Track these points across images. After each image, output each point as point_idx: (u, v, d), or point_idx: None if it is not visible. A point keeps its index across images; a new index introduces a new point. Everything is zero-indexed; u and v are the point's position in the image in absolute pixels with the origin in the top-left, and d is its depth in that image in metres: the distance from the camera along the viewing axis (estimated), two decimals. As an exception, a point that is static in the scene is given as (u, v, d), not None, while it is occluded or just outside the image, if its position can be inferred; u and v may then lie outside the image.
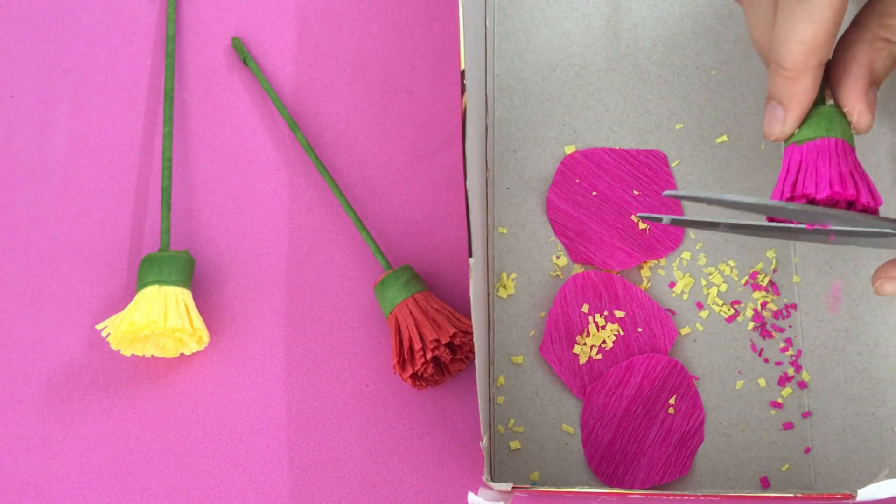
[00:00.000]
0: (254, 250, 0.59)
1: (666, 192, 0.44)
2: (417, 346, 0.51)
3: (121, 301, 0.58)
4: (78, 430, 0.55)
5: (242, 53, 0.62)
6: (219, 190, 0.60)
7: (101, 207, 0.60)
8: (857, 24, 0.47)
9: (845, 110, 0.45)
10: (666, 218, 0.46)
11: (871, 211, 0.45)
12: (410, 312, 0.52)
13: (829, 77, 0.47)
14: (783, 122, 0.46)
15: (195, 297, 0.58)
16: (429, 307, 0.52)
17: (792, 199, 0.45)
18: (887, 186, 0.56)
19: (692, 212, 0.58)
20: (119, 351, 0.55)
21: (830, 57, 0.46)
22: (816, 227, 0.45)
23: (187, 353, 0.55)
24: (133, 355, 0.57)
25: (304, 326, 0.57)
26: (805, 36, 0.43)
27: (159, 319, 0.53)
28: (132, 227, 0.60)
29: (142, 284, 0.55)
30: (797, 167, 0.45)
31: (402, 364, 0.52)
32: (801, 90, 0.45)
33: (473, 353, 0.54)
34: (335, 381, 0.56)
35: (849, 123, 0.46)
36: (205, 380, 0.56)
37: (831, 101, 0.47)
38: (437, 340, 0.51)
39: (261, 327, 0.57)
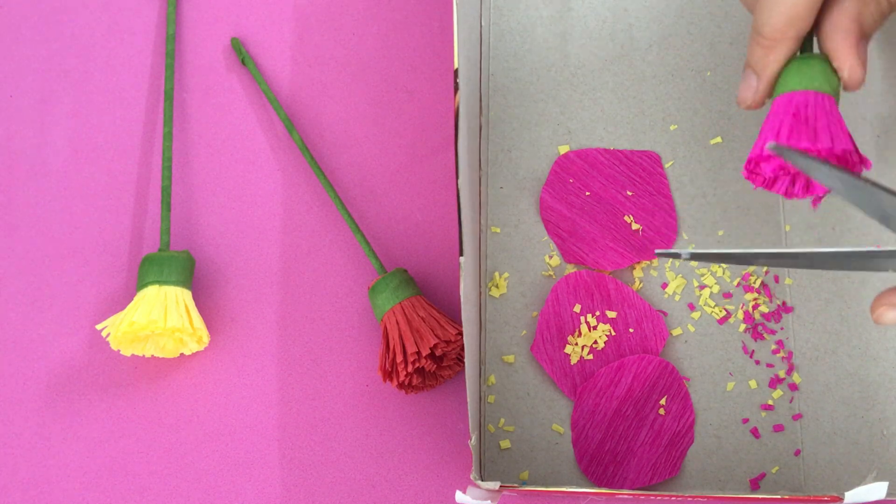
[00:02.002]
0: (254, 250, 0.59)
1: (658, 252, 0.43)
2: (399, 357, 0.51)
3: (121, 301, 0.58)
4: (78, 430, 0.56)
5: (241, 54, 0.62)
6: (219, 190, 0.60)
7: (101, 207, 0.60)
8: None
9: (836, 65, 0.45)
10: (685, 253, 0.45)
11: (856, 171, 0.44)
12: (396, 322, 0.52)
13: (819, 31, 0.46)
14: (755, 89, 0.46)
15: (195, 297, 0.58)
16: (414, 315, 0.52)
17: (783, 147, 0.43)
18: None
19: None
20: (119, 351, 0.56)
21: (809, 28, 0.45)
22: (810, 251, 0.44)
23: (187, 353, 0.56)
24: (133, 355, 0.57)
25: (304, 327, 0.57)
26: (786, 5, 0.44)
27: (159, 319, 0.53)
28: (132, 227, 0.60)
29: (142, 284, 0.55)
30: (791, 116, 0.44)
31: (386, 375, 0.52)
32: (774, 59, 0.45)
33: (460, 360, 0.54)
34: (334, 381, 0.56)
35: (838, 79, 0.45)
36: (205, 380, 0.56)
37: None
38: (418, 353, 0.51)
39: (260, 327, 0.57)
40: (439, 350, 0.52)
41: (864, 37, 0.45)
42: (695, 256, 0.44)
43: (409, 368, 0.51)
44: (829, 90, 0.45)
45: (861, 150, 0.58)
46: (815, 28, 0.46)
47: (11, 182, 0.61)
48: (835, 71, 0.45)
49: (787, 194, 0.48)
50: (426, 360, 0.51)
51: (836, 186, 0.41)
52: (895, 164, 0.58)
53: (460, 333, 0.52)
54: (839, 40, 0.45)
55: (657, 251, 0.44)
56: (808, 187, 0.47)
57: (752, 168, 0.47)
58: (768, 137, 0.44)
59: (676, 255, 0.44)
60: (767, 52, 0.45)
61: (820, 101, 0.44)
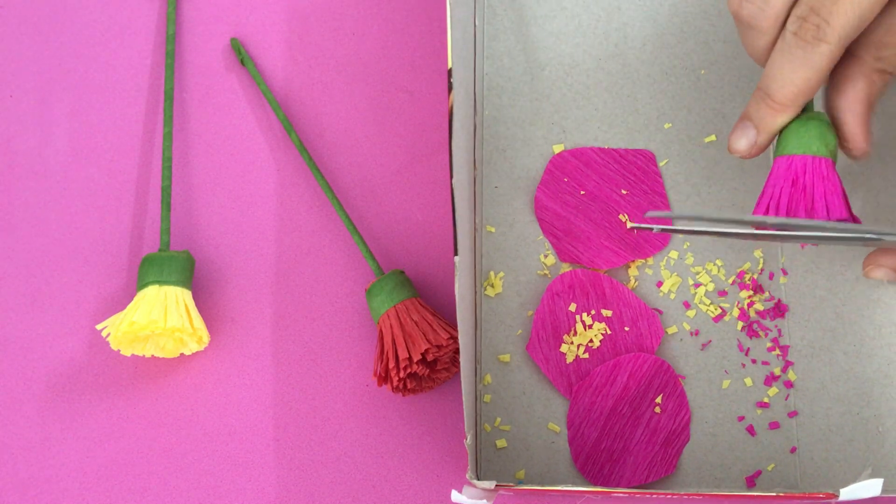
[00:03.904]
0: (254, 250, 0.58)
1: (648, 213, 0.43)
2: (392, 363, 0.50)
3: (121, 301, 0.57)
4: (78, 430, 0.55)
5: (241, 54, 0.61)
6: (219, 190, 0.59)
7: (101, 207, 0.59)
8: (853, 55, 0.46)
9: (847, 143, 0.46)
10: (656, 227, 0.46)
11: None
12: (390, 326, 0.51)
13: (829, 102, 0.47)
14: (754, 143, 0.47)
15: (195, 297, 0.57)
16: (408, 319, 0.51)
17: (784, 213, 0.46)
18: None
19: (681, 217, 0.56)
20: (119, 351, 0.55)
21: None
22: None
23: (187, 353, 0.55)
24: (133, 355, 0.56)
25: (303, 327, 0.56)
26: (801, 80, 0.44)
27: (159, 319, 0.52)
28: (132, 227, 0.59)
29: (142, 284, 0.54)
30: (790, 184, 0.46)
31: (381, 380, 0.51)
32: (781, 122, 0.46)
33: (455, 363, 0.53)
34: (333, 381, 0.55)
35: (836, 139, 0.46)
36: (205, 380, 0.56)
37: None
38: (409, 359, 0.50)
39: (260, 327, 0.56)
40: (430, 355, 0.50)
41: (872, 112, 0.46)
42: (664, 231, 0.46)
43: (402, 374, 0.50)
44: (827, 153, 0.46)
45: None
46: (826, 94, 0.47)
47: (11, 182, 0.60)
48: (833, 132, 0.46)
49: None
50: (418, 365, 0.50)
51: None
52: (890, 164, 0.57)
53: (452, 338, 0.51)
54: (851, 121, 0.46)
55: (629, 224, 0.46)
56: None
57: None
58: (767, 204, 0.46)
59: (649, 228, 0.46)
60: (775, 115, 0.46)
61: (818, 167, 0.45)
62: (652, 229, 0.46)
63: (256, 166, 0.60)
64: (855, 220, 0.46)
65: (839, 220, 0.45)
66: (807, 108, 0.47)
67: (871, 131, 0.46)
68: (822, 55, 0.44)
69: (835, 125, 0.46)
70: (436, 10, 0.62)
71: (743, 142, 0.47)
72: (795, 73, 0.44)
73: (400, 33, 0.62)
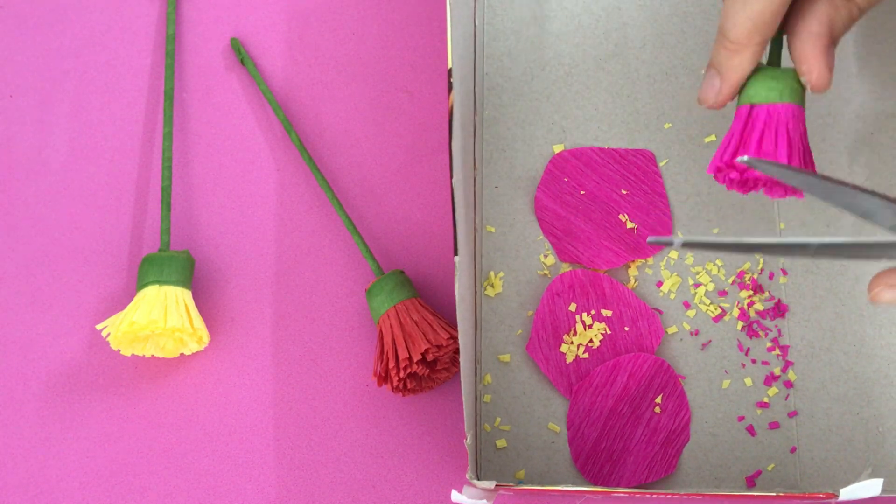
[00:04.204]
0: (254, 250, 0.58)
1: (650, 240, 0.41)
2: (392, 364, 0.50)
3: (121, 301, 0.57)
4: (78, 430, 0.55)
5: (241, 54, 0.61)
6: (219, 190, 0.59)
7: (101, 207, 0.59)
8: None
9: (803, 69, 0.43)
10: (677, 241, 0.42)
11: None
12: (390, 326, 0.51)
13: (788, 33, 0.44)
14: (718, 91, 0.45)
15: (195, 297, 0.57)
16: (408, 319, 0.51)
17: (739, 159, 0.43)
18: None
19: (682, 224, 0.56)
20: (119, 351, 0.54)
21: (775, 33, 0.44)
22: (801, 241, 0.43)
23: (187, 353, 0.54)
24: (133, 355, 0.56)
25: (303, 327, 0.56)
26: (754, 12, 0.42)
27: (159, 319, 0.52)
28: (132, 227, 0.59)
29: (142, 284, 0.54)
30: (753, 129, 0.44)
31: (381, 380, 0.51)
32: (739, 63, 0.44)
33: (455, 363, 0.53)
34: (333, 381, 0.55)
35: (803, 88, 0.44)
36: (205, 380, 0.55)
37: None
38: (409, 359, 0.49)
39: (260, 327, 0.56)
40: (430, 355, 0.50)
41: (833, 42, 0.44)
42: (687, 245, 0.42)
43: (402, 374, 0.50)
44: (797, 100, 0.44)
45: (856, 148, 0.57)
46: (785, 29, 0.45)
47: (11, 182, 0.60)
48: (800, 80, 0.44)
49: (771, 194, 0.46)
50: (418, 365, 0.50)
51: (811, 190, 0.41)
52: (888, 162, 0.56)
53: (452, 338, 0.51)
54: (809, 46, 0.43)
55: (649, 239, 0.43)
56: (787, 189, 0.46)
57: (719, 173, 0.45)
58: (733, 148, 0.44)
59: (669, 243, 0.42)
60: (732, 56, 0.44)
61: (785, 114, 0.44)
62: (672, 243, 0.42)
63: (256, 166, 0.59)
64: (810, 165, 0.44)
65: (780, 164, 0.42)
66: (773, 56, 0.46)
67: (831, 62, 0.44)
68: None
69: (794, 55, 0.44)
70: (436, 10, 0.62)
71: (709, 92, 0.45)
72: (747, 5, 0.43)
73: (400, 33, 0.62)
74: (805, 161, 0.44)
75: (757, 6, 0.42)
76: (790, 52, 0.44)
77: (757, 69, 0.45)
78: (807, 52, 0.43)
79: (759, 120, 0.44)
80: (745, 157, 0.41)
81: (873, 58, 0.59)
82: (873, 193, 0.41)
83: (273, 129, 0.60)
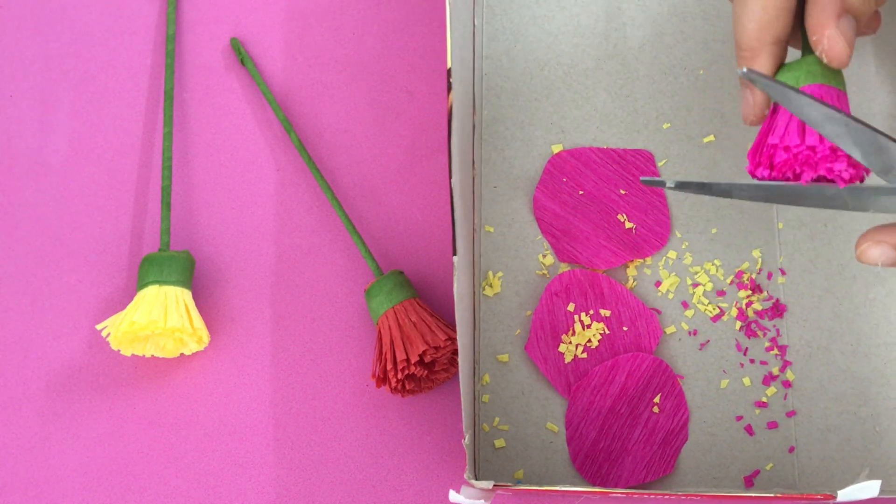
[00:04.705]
0: (254, 250, 0.57)
1: (643, 179, 0.42)
2: (389, 365, 0.49)
3: (121, 301, 0.57)
4: (78, 430, 0.54)
5: (240, 54, 0.61)
6: (219, 190, 0.59)
7: (101, 207, 0.59)
8: None
9: (814, 39, 0.42)
10: (670, 182, 0.43)
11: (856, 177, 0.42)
12: (389, 327, 0.51)
13: (804, 18, 0.43)
14: (752, 102, 0.44)
15: (195, 297, 0.56)
16: (406, 320, 0.51)
17: (773, 149, 0.42)
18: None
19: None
20: (119, 351, 0.54)
21: (788, 30, 0.43)
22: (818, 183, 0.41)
23: (187, 353, 0.54)
24: (133, 355, 0.56)
25: (303, 326, 0.56)
26: (755, 12, 0.42)
27: (159, 319, 0.52)
28: (132, 227, 0.58)
29: (142, 284, 0.53)
30: (774, 121, 0.42)
31: (379, 381, 0.51)
32: (759, 68, 0.43)
33: (454, 364, 0.52)
34: (333, 381, 0.55)
35: (826, 66, 0.42)
36: (205, 380, 0.55)
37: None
38: (407, 360, 0.49)
39: (260, 327, 0.56)
40: (428, 357, 0.50)
41: (847, 11, 0.42)
42: (680, 187, 0.43)
43: (400, 376, 0.49)
44: (820, 81, 0.42)
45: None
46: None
47: (11, 182, 0.59)
48: (821, 61, 0.42)
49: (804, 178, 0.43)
50: (416, 366, 0.50)
51: (830, 129, 0.39)
52: None
53: (450, 339, 0.51)
54: (817, 13, 0.41)
55: (642, 179, 0.43)
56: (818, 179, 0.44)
57: (759, 161, 0.43)
58: (755, 146, 0.42)
59: (662, 183, 0.43)
60: (751, 63, 0.43)
61: (814, 94, 0.42)
62: (665, 184, 0.43)
63: (257, 166, 0.59)
64: (857, 168, 0.41)
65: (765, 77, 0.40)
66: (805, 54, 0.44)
67: (847, 32, 0.41)
68: None
69: (806, 29, 0.42)
70: (436, 10, 0.62)
71: (746, 108, 0.44)
72: (748, 7, 0.42)
73: (400, 33, 0.62)
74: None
75: (756, 5, 0.42)
76: (806, 31, 0.43)
77: (781, 67, 0.44)
78: (815, 22, 0.42)
79: (779, 111, 0.42)
80: (744, 71, 0.39)
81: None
82: (863, 124, 0.39)
83: (273, 129, 0.60)
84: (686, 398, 0.53)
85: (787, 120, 0.42)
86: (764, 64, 0.43)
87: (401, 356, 0.49)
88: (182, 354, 0.55)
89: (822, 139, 0.41)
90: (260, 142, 0.60)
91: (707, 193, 0.43)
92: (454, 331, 0.51)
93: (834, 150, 0.41)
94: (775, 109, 0.43)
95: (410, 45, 0.61)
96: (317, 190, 0.58)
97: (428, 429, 0.54)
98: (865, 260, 0.43)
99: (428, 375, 0.52)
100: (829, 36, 0.41)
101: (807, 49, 0.44)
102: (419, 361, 0.50)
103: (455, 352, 0.52)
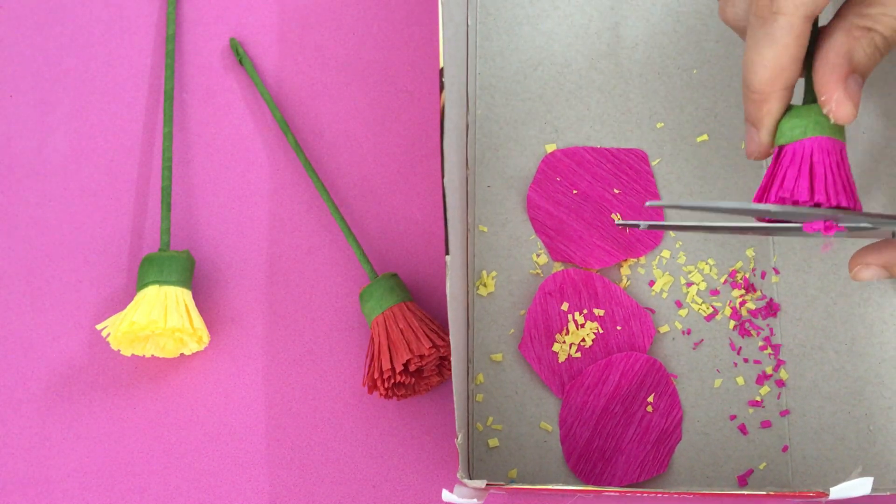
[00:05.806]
0: (254, 250, 0.57)
1: (648, 203, 0.42)
2: (377, 374, 0.49)
3: (121, 301, 0.57)
4: (78, 430, 0.54)
5: (239, 54, 0.60)
6: (219, 190, 0.58)
7: (101, 207, 0.58)
8: (836, 15, 0.44)
9: (822, 99, 0.43)
10: (643, 224, 0.45)
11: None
12: (378, 334, 0.50)
13: (812, 72, 0.44)
14: (757, 142, 0.45)
15: (195, 297, 0.56)
16: (394, 326, 0.50)
17: (781, 201, 0.43)
18: (864, 185, 0.53)
19: (673, 214, 0.55)
20: (119, 351, 0.54)
21: (797, 77, 0.44)
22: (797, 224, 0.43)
23: (187, 353, 0.54)
24: (133, 355, 0.56)
25: (303, 327, 0.55)
26: (768, 59, 0.42)
27: (159, 319, 0.51)
28: (132, 227, 0.58)
29: (142, 284, 0.53)
30: (779, 169, 0.43)
31: (371, 388, 0.50)
32: (768, 111, 0.44)
33: (442, 370, 0.52)
34: (332, 381, 0.54)
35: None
36: (205, 380, 0.55)
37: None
38: (392, 369, 0.49)
39: (260, 328, 0.55)
40: (413, 365, 0.49)
41: (853, 71, 0.43)
42: (653, 227, 0.45)
43: (387, 384, 0.49)
44: (825, 133, 0.43)
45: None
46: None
47: (11, 182, 0.59)
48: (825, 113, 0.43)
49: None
50: (401, 375, 0.49)
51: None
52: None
53: (434, 346, 0.50)
54: (825, 74, 0.43)
55: (617, 222, 0.45)
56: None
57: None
58: (760, 192, 0.44)
59: (636, 225, 0.45)
60: (760, 106, 0.44)
61: (810, 149, 0.43)
62: (639, 226, 0.45)
63: (257, 166, 0.59)
64: (843, 194, 0.43)
65: (838, 205, 0.42)
66: (808, 96, 0.45)
67: (853, 91, 0.43)
68: (783, 28, 0.41)
69: (814, 88, 0.43)
70: (434, 10, 0.61)
71: (750, 145, 0.45)
72: (761, 54, 0.42)
73: (400, 33, 0.61)
74: (835, 191, 0.42)
75: (770, 53, 0.42)
76: (814, 88, 0.44)
77: (788, 110, 0.44)
78: (823, 82, 0.43)
79: (785, 158, 0.43)
80: (649, 202, 0.42)
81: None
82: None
83: (273, 130, 0.59)
84: (680, 397, 0.52)
85: (798, 167, 0.43)
86: (773, 108, 0.44)
87: (386, 366, 0.49)
88: (182, 354, 0.55)
89: (827, 194, 0.42)
90: (259, 142, 0.59)
91: (683, 231, 0.46)
92: (441, 337, 0.50)
93: (839, 205, 0.43)
94: (780, 151, 0.44)
95: (409, 46, 0.61)
96: (315, 190, 0.58)
97: (424, 429, 0.53)
98: (860, 280, 0.47)
99: (417, 381, 0.51)
100: (836, 99, 0.42)
101: (809, 94, 0.44)
102: (404, 370, 0.50)
103: (442, 359, 0.51)
